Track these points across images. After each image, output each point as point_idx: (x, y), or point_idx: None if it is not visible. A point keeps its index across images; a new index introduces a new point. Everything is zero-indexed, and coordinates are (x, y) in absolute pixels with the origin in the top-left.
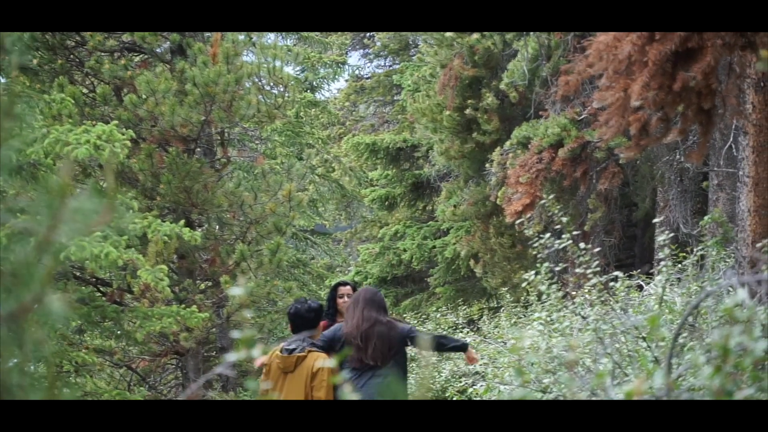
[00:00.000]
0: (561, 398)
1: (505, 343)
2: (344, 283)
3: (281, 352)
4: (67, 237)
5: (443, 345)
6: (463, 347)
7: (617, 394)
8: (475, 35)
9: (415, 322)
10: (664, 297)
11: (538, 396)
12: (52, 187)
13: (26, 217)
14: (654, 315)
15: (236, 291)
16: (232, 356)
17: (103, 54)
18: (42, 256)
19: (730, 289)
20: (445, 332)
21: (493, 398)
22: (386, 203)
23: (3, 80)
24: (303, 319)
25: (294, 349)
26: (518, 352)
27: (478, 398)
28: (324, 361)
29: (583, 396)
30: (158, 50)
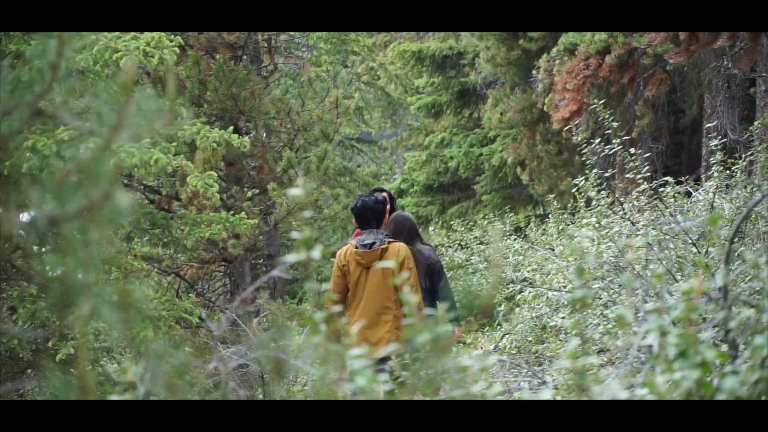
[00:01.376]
0: (611, 304)
1: (553, 250)
2: (381, 189)
3: (357, 248)
4: (131, 139)
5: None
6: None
7: (672, 295)
8: None
9: (462, 229)
10: (714, 203)
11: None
12: (115, 89)
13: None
14: (715, 216)
15: (295, 191)
16: (291, 257)
17: None
18: (107, 156)
19: None
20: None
21: (541, 304)
22: (432, 111)
23: None
24: (372, 211)
25: (372, 243)
26: (569, 256)
27: (527, 304)
28: (407, 250)
29: (637, 299)
30: None
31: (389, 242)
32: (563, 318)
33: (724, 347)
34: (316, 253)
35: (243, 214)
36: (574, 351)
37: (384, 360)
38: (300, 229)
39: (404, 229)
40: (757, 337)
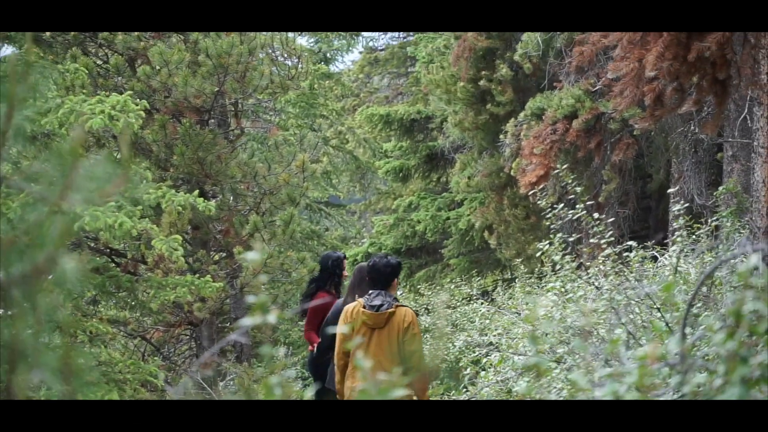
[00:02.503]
0: (575, 368)
1: (519, 314)
2: (345, 257)
3: (365, 308)
4: (80, 203)
5: None
6: None
7: (631, 361)
8: None
9: (430, 293)
10: (679, 267)
11: (553, 365)
12: (64, 153)
13: (39, 185)
14: (669, 282)
15: (252, 256)
16: (247, 321)
17: None
18: (55, 220)
19: (744, 258)
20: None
21: (507, 368)
22: (400, 175)
23: (17, 51)
24: (380, 273)
25: (381, 305)
26: (532, 320)
27: (492, 368)
28: (413, 316)
29: (597, 364)
30: None
31: (397, 306)
32: (528, 382)
33: None
34: (272, 317)
35: (209, 277)
36: None
37: None
38: (257, 292)
39: (364, 278)
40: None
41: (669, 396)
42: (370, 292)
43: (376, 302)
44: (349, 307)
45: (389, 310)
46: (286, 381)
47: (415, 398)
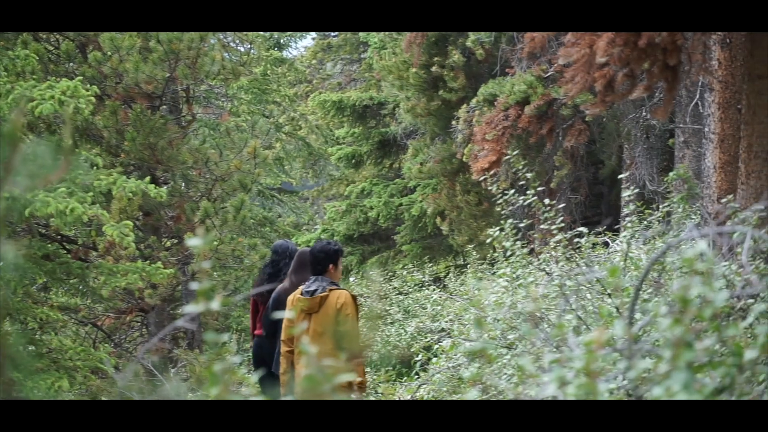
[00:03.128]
0: (525, 354)
1: (471, 300)
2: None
3: (302, 295)
4: (20, 186)
5: None
6: None
7: (578, 346)
8: None
9: (382, 279)
10: (629, 253)
11: (503, 351)
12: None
13: None
14: (615, 266)
15: (194, 242)
16: (190, 308)
17: None
18: None
19: (693, 242)
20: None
21: (458, 354)
22: (353, 161)
23: None
24: (316, 259)
25: (315, 290)
26: (478, 305)
27: (444, 354)
28: (347, 297)
29: (547, 350)
30: None
31: (330, 290)
32: (479, 368)
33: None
34: (216, 303)
35: (160, 264)
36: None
37: None
38: (203, 279)
39: (306, 263)
40: (654, 388)
41: (618, 381)
42: (310, 278)
43: (312, 287)
44: (291, 295)
45: (322, 294)
46: (230, 367)
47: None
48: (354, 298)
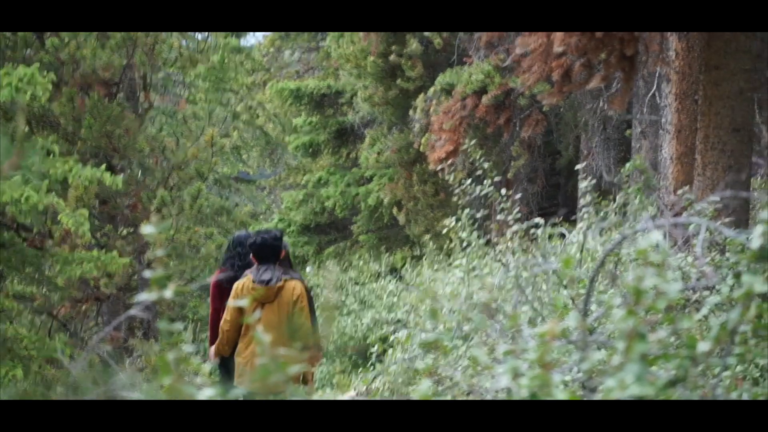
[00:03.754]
0: (481, 345)
1: (427, 291)
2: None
3: (255, 283)
4: None
5: None
6: None
7: (532, 337)
8: None
9: (338, 269)
10: (586, 244)
11: (459, 343)
12: None
13: None
14: (569, 257)
15: (149, 230)
16: (143, 296)
17: None
18: None
19: (649, 234)
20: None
21: (414, 346)
22: (310, 150)
23: None
24: (271, 248)
25: (269, 280)
26: (432, 296)
27: (400, 346)
28: (302, 289)
29: (502, 342)
30: None
31: (285, 280)
32: (434, 359)
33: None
34: (169, 292)
35: (115, 252)
36: (426, 392)
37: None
38: (158, 267)
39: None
40: (608, 379)
41: (572, 373)
42: (259, 267)
43: (266, 276)
44: (238, 283)
45: (278, 284)
46: (184, 356)
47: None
48: (308, 289)
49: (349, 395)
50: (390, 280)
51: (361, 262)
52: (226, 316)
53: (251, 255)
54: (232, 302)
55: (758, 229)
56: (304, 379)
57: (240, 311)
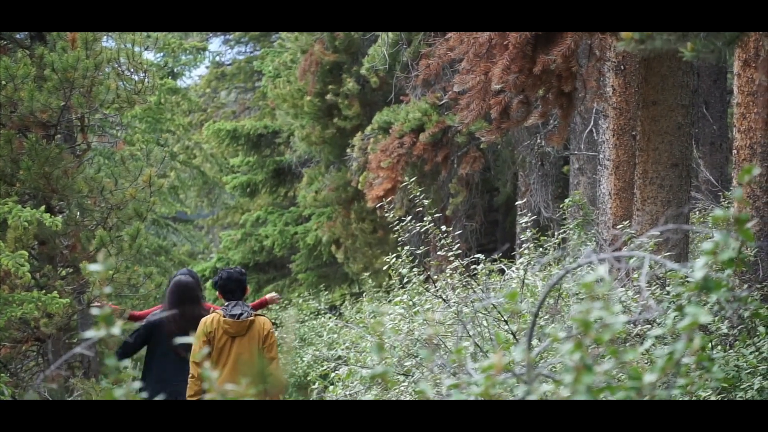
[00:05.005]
0: (422, 380)
1: (367, 328)
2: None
3: (225, 317)
4: None
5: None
6: (263, 303)
7: (477, 372)
8: None
9: (277, 307)
10: (526, 280)
11: (401, 378)
12: None
13: None
14: (513, 291)
15: (95, 267)
16: (90, 333)
17: None
18: None
19: (590, 268)
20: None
21: (355, 382)
22: (248, 190)
23: None
24: (237, 283)
25: (240, 314)
26: (377, 331)
27: (341, 382)
28: (271, 325)
29: (444, 376)
30: (18, 36)
31: (255, 315)
32: (375, 395)
33: None
34: (116, 329)
35: (55, 293)
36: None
37: None
38: (101, 305)
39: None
40: None
41: None
42: (227, 303)
43: (236, 311)
44: (207, 318)
45: (249, 319)
46: (130, 393)
47: None
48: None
49: None
50: (330, 318)
51: (301, 300)
52: (194, 349)
53: (218, 292)
54: (201, 336)
55: (700, 261)
56: None
57: (208, 344)
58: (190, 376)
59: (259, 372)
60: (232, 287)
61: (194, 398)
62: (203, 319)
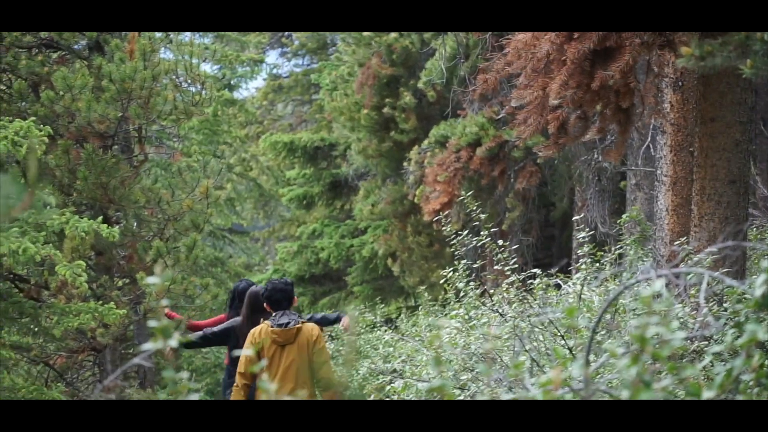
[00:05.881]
0: (479, 396)
1: (423, 341)
2: (246, 280)
3: (272, 327)
4: None
5: (320, 323)
6: (337, 319)
7: (535, 387)
8: (393, 34)
9: (357, 314)
10: (582, 295)
11: (456, 392)
12: None
13: None
14: (572, 306)
15: (154, 280)
16: (148, 345)
17: (20, 50)
18: None
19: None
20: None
21: (411, 396)
22: (304, 202)
23: None
24: (283, 293)
25: (288, 323)
26: (434, 344)
27: (396, 396)
28: (319, 330)
29: (502, 391)
30: (76, 47)
31: (302, 322)
32: None
33: None
34: (174, 341)
35: (112, 303)
36: None
37: None
38: (160, 317)
39: (259, 301)
40: None
41: None
42: (275, 313)
43: (284, 320)
44: (255, 330)
45: (297, 326)
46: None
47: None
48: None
49: None
50: (385, 331)
51: (356, 313)
52: (242, 360)
53: (266, 303)
54: (248, 348)
55: (761, 278)
56: None
57: (257, 355)
58: (234, 385)
59: (311, 378)
60: (278, 297)
61: None
62: (251, 331)
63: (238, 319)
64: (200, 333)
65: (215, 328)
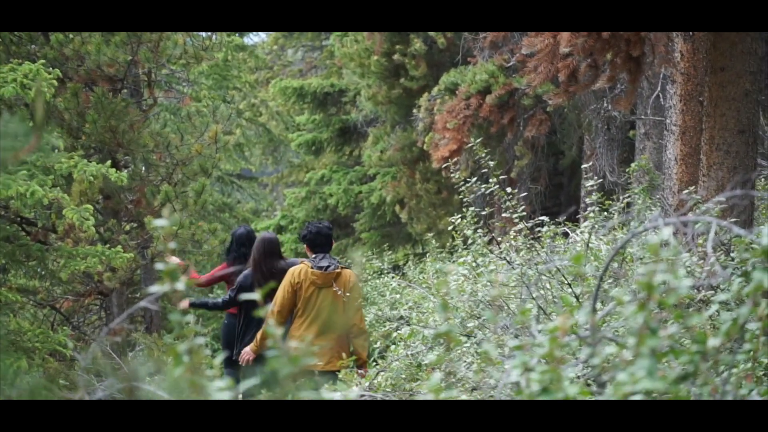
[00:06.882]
0: (485, 341)
1: (430, 288)
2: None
3: (313, 269)
4: None
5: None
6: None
7: (541, 334)
8: None
9: (364, 260)
10: (590, 243)
11: (463, 339)
12: None
13: None
14: (578, 254)
15: (160, 222)
16: (155, 288)
17: None
18: None
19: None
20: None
21: (417, 342)
22: (313, 148)
23: None
24: (326, 237)
25: (328, 266)
26: (441, 289)
27: (402, 342)
28: (357, 277)
29: (507, 338)
30: None
31: (342, 267)
32: (437, 355)
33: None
34: (181, 284)
35: (119, 247)
36: (436, 385)
37: (328, 373)
38: (166, 260)
39: (273, 247)
40: (619, 374)
41: (579, 368)
42: (314, 255)
43: (324, 263)
44: (294, 269)
45: (336, 270)
46: (195, 347)
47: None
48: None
49: (354, 391)
50: (392, 277)
51: (364, 259)
52: (279, 298)
53: (305, 245)
54: (287, 285)
55: (767, 228)
56: (360, 365)
57: (294, 294)
58: (265, 323)
59: (343, 323)
60: (321, 241)
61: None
62: (290, 270)
63: (247, 271)
64: (224, 298)
65: (234, 290)
